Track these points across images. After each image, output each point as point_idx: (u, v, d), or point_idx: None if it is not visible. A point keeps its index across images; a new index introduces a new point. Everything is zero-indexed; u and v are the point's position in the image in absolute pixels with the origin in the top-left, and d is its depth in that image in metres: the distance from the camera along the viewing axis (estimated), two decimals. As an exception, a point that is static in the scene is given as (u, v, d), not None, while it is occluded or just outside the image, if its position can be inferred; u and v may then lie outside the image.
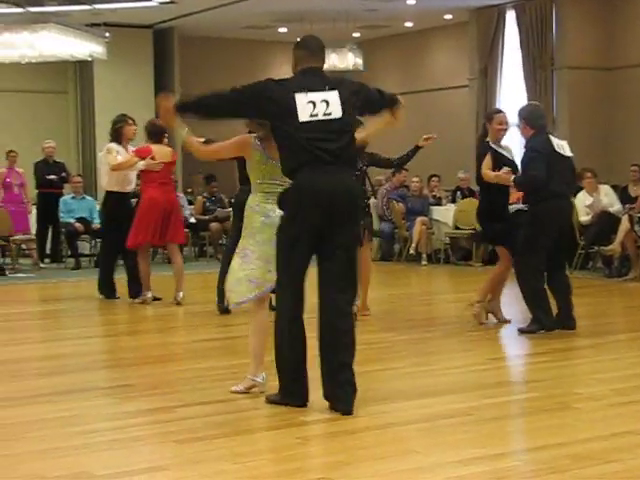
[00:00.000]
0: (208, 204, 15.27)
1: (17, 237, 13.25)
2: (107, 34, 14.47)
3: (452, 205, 14.29)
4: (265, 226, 5.42)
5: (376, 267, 10.42)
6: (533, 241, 7.63)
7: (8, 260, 13.43)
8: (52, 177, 14.33)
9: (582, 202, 12.07)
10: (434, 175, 15.08)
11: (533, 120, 7.72)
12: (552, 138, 7.71)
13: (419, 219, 13.84)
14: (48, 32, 12.97)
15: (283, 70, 20.02)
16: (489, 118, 8.08)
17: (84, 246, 14.34)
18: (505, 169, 7.68)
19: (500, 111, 8.19)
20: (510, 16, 16.25)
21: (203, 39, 18.38)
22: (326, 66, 18.54)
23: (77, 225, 13.83)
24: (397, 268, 10.24)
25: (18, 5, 13.76)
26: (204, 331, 8.14)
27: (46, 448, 4.58)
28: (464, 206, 13.79)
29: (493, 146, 7.91)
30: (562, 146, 7.72)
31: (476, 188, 15.24)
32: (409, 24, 18.17)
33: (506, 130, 7.97)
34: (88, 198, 14.56)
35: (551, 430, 4.83)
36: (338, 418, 5.04)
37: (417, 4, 16.11)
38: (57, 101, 18.56)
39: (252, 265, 5.43)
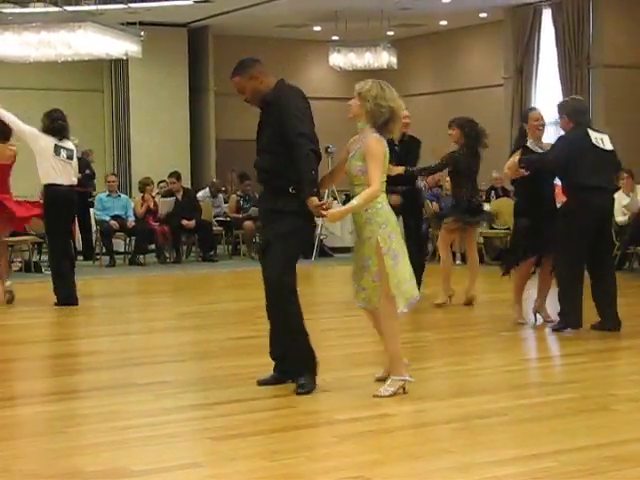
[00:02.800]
0: (242, 202, 15.34)
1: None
2: (142, 33, 14.56)
3: (486, 205, 14.21)
4: (397, 224, 5.58)
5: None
6: (568, 236, 7.54)
7: (44, 257, 13.54)
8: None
9: (619, 202, 11.96)
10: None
11: (576, 115, 7.66)
12: (591, 132, 7.61)
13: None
14: (84, 31, 13.06)
15: (316, 68, 20.07)
16: (525, 117, 8.07)
17: (118, 244, 14.45)
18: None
19: (534, 108, 8.17)
20: (546, 14, 16.17)
21: (237, 38, 18.44)
22: (360, 64, 18.67)
23: (112, 223, 13.94)
24: (431, 267, 10.20)
25: (55, 4, 13.90)
26: (239, 329, 8.17)
27: (84, 443, 4.63)
28: (498, 205, 13.73)
29: (529, 145, 7.87)
30: (602, 139, 7.62)
31: (510, 188, 15.23)
32: (443, 23, 18.12)
33: (544, 126, 7.94)
34: (123, 196, 14.69)
35: (589, 431, 4.80)
36: (373, 417, 5.05)
37: (452, 3, 16.07)
38: (92, 99, 18.72)
39: (404, 263, 5.44)
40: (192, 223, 14.37)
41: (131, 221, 14.16)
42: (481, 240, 13.83)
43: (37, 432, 5.01)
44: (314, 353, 5.63)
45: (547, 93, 16.38)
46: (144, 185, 14.72)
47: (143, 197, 14.65)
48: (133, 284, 12.32)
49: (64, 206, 9.48)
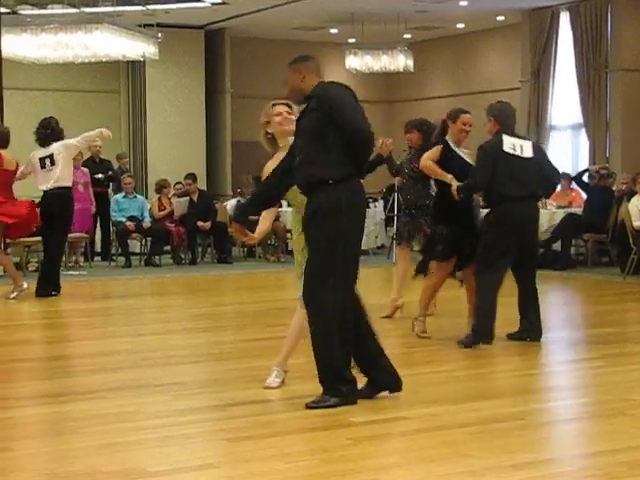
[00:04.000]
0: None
1: (72, 235, 13.35)
2: (159, 34, 14.60)
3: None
4: None
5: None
6: (489, 248, 7.25)
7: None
8: (99, 176, 14.46)
9: (636, 207, 11.91)
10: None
11: (502, 118, 7.32)
12: (507, 138, 7.24)
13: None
14: (101, 32, 13.11)
15: (333, 71, 20.06)
16: (454, 116, 7.46)
17: (135, 244, 14.48)
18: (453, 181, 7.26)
19: (467, 111, 7.54)
20: (564, 17, 16.11)
21: (254, 40, 18.46)
22: (376, 67, 18.61)
23: (128, 224, 13.97)
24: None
25: (73, 6, 13.95)
26: (254, 330, 8.18)
27: (100, 443, 4.63)
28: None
29: (448, 141, 7.45)
30: (521, 146, 7.26)
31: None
32: (461, 25, 18.09)
33: (468, 132, 7.45)
34: (139, 197, 14.71)
35: (605, 436, 4.78)
36: (389, 419, 5.05)
37: (469, 5, 16.04)
38: (109, 101, 18.77)
39: None
40: (207, 225, 14.39)
41: (147, 222, 14.20)
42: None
43: (53, 432, 5.03)
44: None
45: (564, 96, 16.33)
46: (161, 187, 14.74)
47: (160, 199, 14.68)
48: (148, 285, 12.34)
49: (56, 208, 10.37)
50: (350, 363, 5.33)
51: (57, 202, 10.38)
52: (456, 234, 7.39)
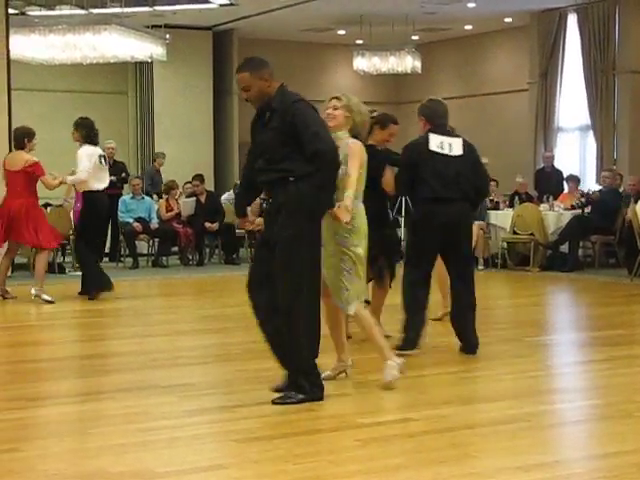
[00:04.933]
0: (265, 205, 15.33)
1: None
2: (167, 36, 14.63)
3: (510, 210, 14.18)
4: None
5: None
6: (412, 251, 7.10)
7: (68, 259, 13.63)
8: (112, 178, 14.46)
9: (642, 208, 11.90)
10: (492, 179, 14.95)
11: (434, 118, 7.03)
12: (434, 137, 6.94)
13: (476, 223, 13.69)
14: (110, 33, 13.14)
15: (340, 72, 20.08)
16: (384, 124, 7.24)
17: (142, 246, 14.50)
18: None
19: (397, 123, 7.33)
20: (572, 19, 16.10)
21: (262, 41, 18.47)
22: (384, 69, 18.60)
23: (135, 225, 14.00)
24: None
25: (81, 7, 13.98)
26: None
27: (109, 444, 4.65)
28: (522, 211, 13.68)
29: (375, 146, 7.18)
30: (450, 144, 6.93)
31: (534, 193, 15.20)
32: (468, 27, 18.09)
33: (390, 142, 7.27)
34: (147, 198, 14.72)
35: (613, 438, 4.77)
36: (397, 421, 5.05)
37: (477, 7, 16.03)
38: (117, 102, 18.80)
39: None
40: (215, 226, 14.41)
41: (154, 223, 14.22)
42: (504, 245, 13.80)
43: (61, 432, 5.04)
44: None
45: (572, 98, 16.32)
46: (169, 188, 14.76)
47: (167, 200, 14.70)
48: (156, 286, 12.36)
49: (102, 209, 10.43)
50: (315, 358, 5.51)
51: (107, 202, 10.55)
52: (392, 237, 7.41)
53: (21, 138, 10.03)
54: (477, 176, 7.10)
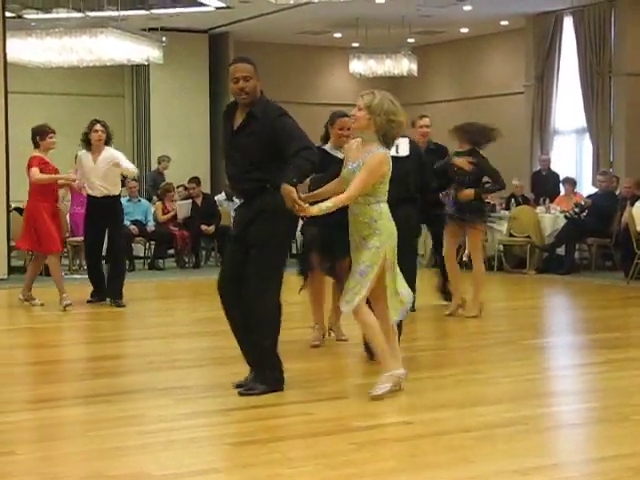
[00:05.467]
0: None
1: (73, 239, 13.37)
2: (164, 38, 14.63)
3: (506, 212, 14.19)
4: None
5: (429, 274, 10.39)
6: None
7: (65, 262, 13.60)
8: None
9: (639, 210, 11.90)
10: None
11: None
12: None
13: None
14: (106, 37, 13.14)
15: (336, 75, 20.08)
16: (332, 121, 7.23)
17: (139, 248, 14.49)
18: None
19: (345, 115, 7.17)
20: (567, 22, 16.12)
21: (258, 44, 18.47)
22: (380, 71, 18.55)
23: (132, 228, 13.98)
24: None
25: (78, 10, 13.98)
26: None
27: (105, 447, 4.64)
28: (518, 213, 13.69)
29: (325, 148, 7.13)
30: (397, 145, 6.71)
31: (530, 196, 15.20)
32: (464, 30, 18.10)
33: (347, 136, 7.01)
34: (143, 201, 14.71)
35: (610, 441, 4.77)
36: (392, 424, 5.05)
37: (473, 10, 16.04)
38: (113, 105, 18.79)
39: (399, 275, 5.69)
40: (211, 228, 14.41)
41: (151, 226, 14.21)
42: (501, 248, 13.80)
43: (59, 435, 5.04)
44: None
45: (568, 101, 16.33)
46: (165, 191, 14.76)
47: (164, 202, 14.69)
48: (152, 289, 12.35)
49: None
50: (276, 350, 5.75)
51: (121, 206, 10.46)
52: (324, 234, 7.07)
53: (33, 138, 9.73)
54: (423, 175, 7.18)
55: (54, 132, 9.79)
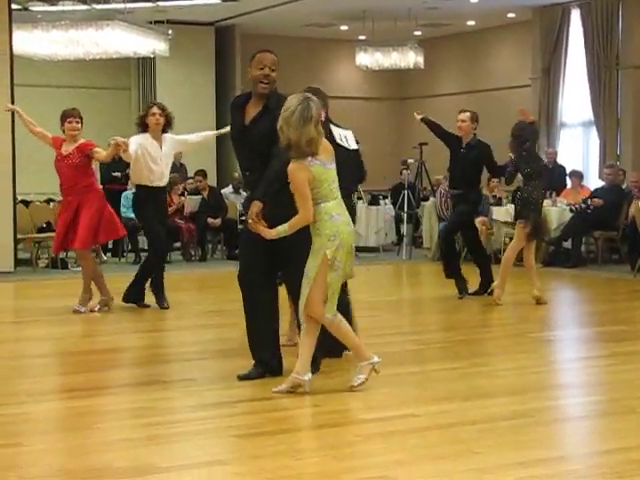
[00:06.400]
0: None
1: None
2: (170, 31, 14.63)
3: (512, 206, 14.14)
4: (350, 235, 5.60)
5: (436, 267, 10.39)
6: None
7: (71, 254, 13.61)
8: (117, 174, 14.49)
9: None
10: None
11: (326, 107, 6.53)
12: (335, 129, 6.65)
13: (479, 219, 13.70)
14: (112, 29, 13.14)
15: (343, 68, 20.06)
16: None
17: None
18: None
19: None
20: (575, 14, 16.08)
21: (264, 37, 18.44)
22: (387, 64, 18.53)
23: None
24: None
25: (84, 3, 13.98)
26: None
27: (112, 439, 4.66)
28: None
29: None
30: (346, 137, 6.69)
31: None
32: (471, 22, 18.06)
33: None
34: (149, 194, 14.68)
35: (616, 434, 4.77)
36: (398, 416, 5.04)
37: (480, 2, 16.01)
38: (119, 97, 18.80)
39: (341, 275, 5.58)
40: (218, 221, 14.41)
41: (158, 219, 14.19)
42: (507, 241, 13.76)
43: (65, 427, 5.05)
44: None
45: (575, 94, 16.29)
46: (172, 184, 14.74)
47: (170, 195, 14.67)
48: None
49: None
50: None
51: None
52: None
53: (61, 123, 9.05)
54: (359, 168, 7.01)
55: (75, 117, 8.98)
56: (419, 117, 10.12)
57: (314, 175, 5.43)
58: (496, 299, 9.15)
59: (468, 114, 9.84)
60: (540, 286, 9.39)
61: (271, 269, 5.90)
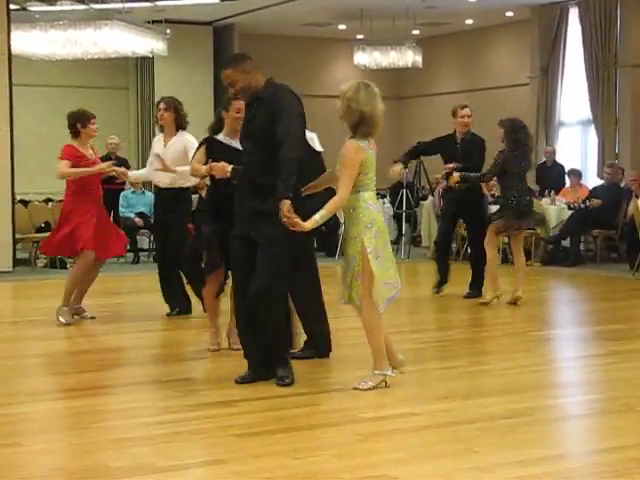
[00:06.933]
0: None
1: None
2: (168, 31, 14.62)
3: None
4: (385, 224, 5.68)
5: (433, 265, 10.38)
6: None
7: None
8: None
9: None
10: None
11: None
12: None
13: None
14: (111, 29, 13.13)
15: (341, 67, 20.06)
16: (226, 105, 6.67)
17: (143, 240, 14.49)
18: (224, 164, 6.27)
19: (238, 97, 6.40)
20: (573, 13, 16.07)
21: (262, 36, 18.47)
22: (385, 63, 18.53)
23: (137, 220, 13.98)
24: (455, 267, 10.19)
25: (82, 2, 13.97)
26: (262, 327, 8.16)
27: (110, 439, 4.65)
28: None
29: (220, 139, 6.68)
30: (311, 139, 6.55)
31: (535, 187, 15.17)
32: (469, 21, 18.06)
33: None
34: (148, 193, 14.70)
35: (614, 432, 4.77)
36: (398, 415, 5.04)
37: (478, 1, 16.01)
38: (118, 97, 18.79)
39: (387, 264, 5.57)
40: (216, 221, 14.38)
41: (156, 218, 14.17)
42: (506, 240, 13.75)
43: (63, 427, 5.06)
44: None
45: (573, 92, 16.29)
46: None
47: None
48: (157, 281, 12.31)
49: None
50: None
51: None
52: (221, 235, 6.52)
53: (72, 125, 8.38)
54: (320, 172, 6.66)
55: (95, 117, 8.50)
56: (398, 167, 9.72)
57: (367, 160, 5.51)
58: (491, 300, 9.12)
59: (469, 109, 9.84)
60: (525, 288, 9.23)
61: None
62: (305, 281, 6.37)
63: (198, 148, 6.82)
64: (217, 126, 6.78)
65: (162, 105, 8.47)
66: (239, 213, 5.83)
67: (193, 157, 6.89)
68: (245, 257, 5.71)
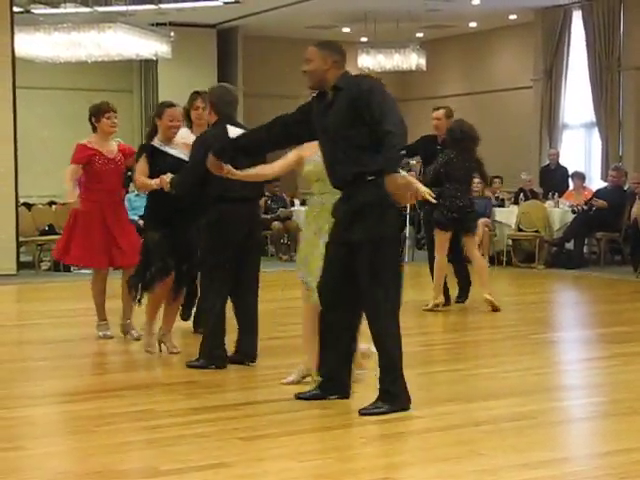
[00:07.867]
0: (270, 203, 15.36)
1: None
2: (172, 33, 14.62)
3: (515, 207, 14.17)
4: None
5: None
6: (212, 253, 6.42)
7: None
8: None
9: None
10: (496, 177, 14.97)
11: (221, 105, 6.46)
12: (232, 129, 6.30)
13: (481, 220, 13.66)
14: (114, 32, 13.13)
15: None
16: (160, 113, 6.73)
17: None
18: (169, 175, 6.38)
19: (172, 105, 6.81)
20: (576, 16, 16.05)
21: (266, 39, 18.47)
22: (389, 66, 18.56)
23: (140, 222, 13.96)
24: (450, 268, 10.17)
25: (86, 5, 13.98)
26: (265, 330, 8.12)
27: (114, 442, 4.65)
28: (527, 208, 13.67)
29: (156, 145, 6.70)
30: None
31: (539, 190, 15.18)
32: (473, 24, 18.05)
33: (178, 127, 6.75)
34: (151, 196, 14.69)
35: (619, 435, 4.77)
36: (402, 418, 5.04)
37: (481, 4, 15.99)
38: (121, 100, 18.74)
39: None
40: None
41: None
42: (509, 242, 13.78)
43: (67, 431, 5.05)
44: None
45: (577, 95, 16.28)
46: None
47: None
48: (161, 284, 12.32)
49: None
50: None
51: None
52: (168, 239, 6.58)
53: (90, 119, 7.95)
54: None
55: (114, 111, 7.93)
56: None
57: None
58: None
59: (442, 111, 9.67)
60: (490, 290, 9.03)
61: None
62: None
63: (138, 157, 6.80)
64: (152, 132, 6.85)
65: (202, 104, 7.21)
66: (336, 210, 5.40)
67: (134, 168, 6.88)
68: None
